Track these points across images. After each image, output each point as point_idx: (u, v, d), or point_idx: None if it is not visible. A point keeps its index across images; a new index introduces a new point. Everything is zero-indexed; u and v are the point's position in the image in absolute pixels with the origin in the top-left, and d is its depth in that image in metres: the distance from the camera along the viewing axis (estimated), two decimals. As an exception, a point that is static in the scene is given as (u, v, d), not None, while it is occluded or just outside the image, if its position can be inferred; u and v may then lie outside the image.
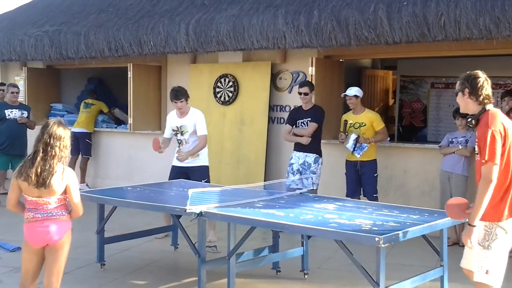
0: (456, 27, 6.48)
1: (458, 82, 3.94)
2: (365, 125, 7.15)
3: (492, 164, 3.68)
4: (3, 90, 9.44)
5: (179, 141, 7.01)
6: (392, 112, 11.37)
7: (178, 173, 6.95)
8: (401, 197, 7.65)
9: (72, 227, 4.23)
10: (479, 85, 3.83)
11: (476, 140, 3.82)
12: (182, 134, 6.98)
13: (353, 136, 7.07)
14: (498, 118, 3.80)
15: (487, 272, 3.77)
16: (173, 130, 7.04)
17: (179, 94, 6.86)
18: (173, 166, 7.06)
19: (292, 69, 8.62)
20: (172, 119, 7.10)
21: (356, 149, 7.06)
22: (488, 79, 3.91)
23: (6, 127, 8.97)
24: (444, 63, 9.68)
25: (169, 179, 7.00)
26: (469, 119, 3.90)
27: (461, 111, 4.00)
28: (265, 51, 8.25)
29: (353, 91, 7.23)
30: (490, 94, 3.87)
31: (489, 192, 3.68)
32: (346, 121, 7.25)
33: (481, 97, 3.82)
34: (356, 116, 7.24)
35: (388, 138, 7.69)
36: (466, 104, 3.90)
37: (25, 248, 4.13)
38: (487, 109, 3.84)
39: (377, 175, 7.19)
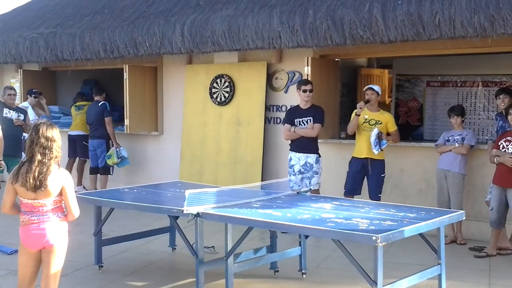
0: (451, 25, 6.49)
1: None
2: (381, 123, 7.14)
3: None
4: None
5: None
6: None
7: None
8: (398, 196, 7.66)
9: (69, 230, 4.21)
10: None
11: None
12: None
13: (375, 131, 6.99)
14: None
15: None
16: None
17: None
18: None
19: (288, 69, 8.61)
20: None
21: (376, 144, 6.99)
22: None
23: (3, 126, 8.92)
24: (440, 61, 9.68)
25: None
26: None
27: None
28: (260, 51, 8.25)
29: (377, 88, 7.29)
30: None
31: None
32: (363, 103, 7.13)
33: None
34: (372, 113, 7.21)
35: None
36: None
37: (22, 252, 4.10)
38: None
39: (384, 176, 7.16)
